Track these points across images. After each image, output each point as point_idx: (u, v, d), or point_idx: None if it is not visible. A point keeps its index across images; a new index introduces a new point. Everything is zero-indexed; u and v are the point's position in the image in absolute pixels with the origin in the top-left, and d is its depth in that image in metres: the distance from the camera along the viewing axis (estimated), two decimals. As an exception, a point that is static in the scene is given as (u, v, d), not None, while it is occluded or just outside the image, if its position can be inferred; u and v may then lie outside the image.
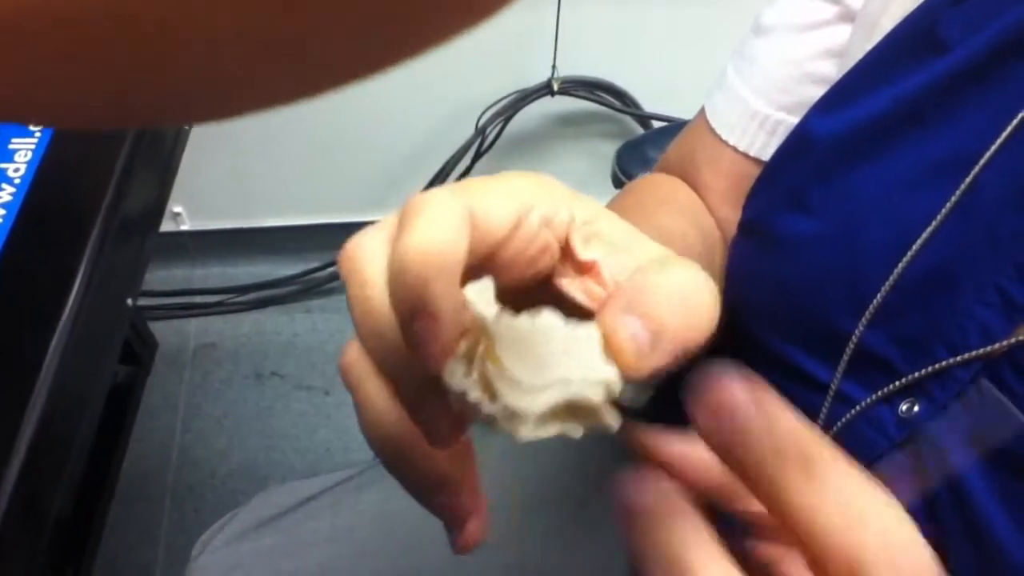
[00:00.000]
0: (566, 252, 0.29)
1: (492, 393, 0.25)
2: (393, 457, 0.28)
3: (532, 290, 0.29)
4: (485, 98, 1.37)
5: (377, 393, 0.27)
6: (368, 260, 0.26)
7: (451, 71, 1.36)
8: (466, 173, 1.43)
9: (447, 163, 1.41)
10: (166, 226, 1.52)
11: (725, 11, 1.28)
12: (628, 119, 1.48)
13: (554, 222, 0.28)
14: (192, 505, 1.35)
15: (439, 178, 1.43)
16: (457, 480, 0.28)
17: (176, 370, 1.51)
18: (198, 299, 1.58)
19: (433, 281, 0.23)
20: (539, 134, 1.50)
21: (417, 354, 0.24)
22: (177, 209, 1.53)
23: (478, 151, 1.41)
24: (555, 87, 1.37)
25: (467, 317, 0.25)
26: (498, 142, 1.43)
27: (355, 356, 0.28)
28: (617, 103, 1.43)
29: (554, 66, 1.35)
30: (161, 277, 1.58)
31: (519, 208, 0.27)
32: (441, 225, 0.24)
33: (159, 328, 1.53)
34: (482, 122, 1.39)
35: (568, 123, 1.49)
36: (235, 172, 1.49)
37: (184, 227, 1.56)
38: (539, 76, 1.36)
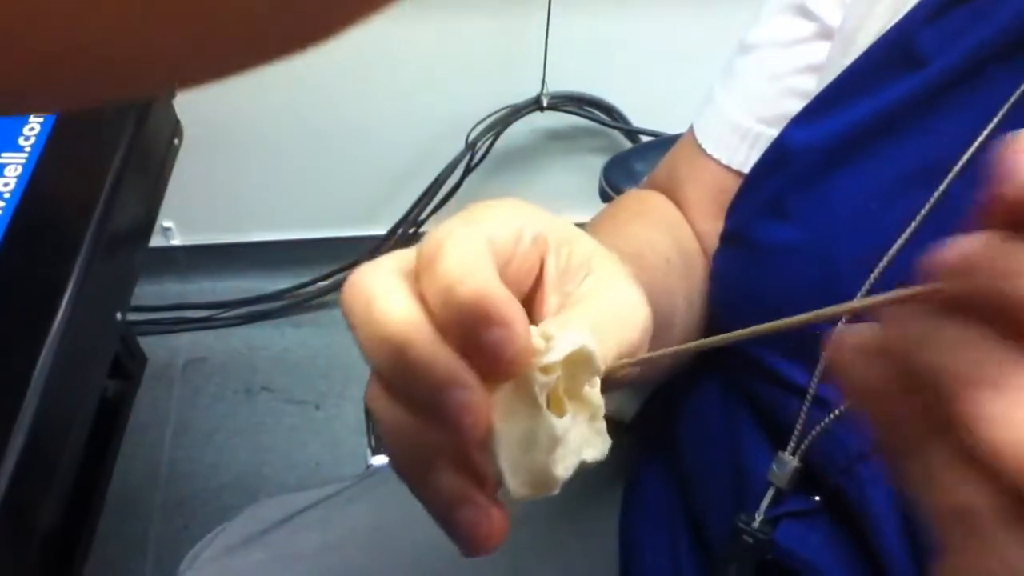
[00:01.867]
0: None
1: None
2: (413, 467, 0.28)
3: None
4: (475, 113, 1.38)
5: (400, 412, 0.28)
6: (382, 286, 0.27)
7: (441, 87, 1.37)
8: (456, 188, 1.43)
9: (437, 178, 1.42)
10: (156, 241, 1.52)
11: (712, 27, 1.30)
12: (616, 134, 1.49)
13: (539, 240, 0.30)
14: (182, 520, 1.34)
15: (429, 193, 1.43)
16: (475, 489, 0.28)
17: (166, 385, 1.50)
18: (188, 314, 1.58)
19: (494, 290, 0.25)
20: (528, 149, 1.50)
21: (493, 362, 0.25)
22: (167, 224, 1.53)
23: (468, 166, 1.41)
24: (544, 102, 1.38)
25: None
26: (488, 157, 1.43)
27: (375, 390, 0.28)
28: (606, 118, 1.44)
29: (543, 82, 1.36)
30: (151, 292, 1.57)
31: (518, 229, 0.29)
32: (472, 248, 0.27)
33: (149, 343, 1.53)
34: (472, 137, 1.39)
35: (557, 138, 1.50)
36: (225, 187, 1.49)
37: (174, 242, 1.56)
38: (529, 92, 1.37)
